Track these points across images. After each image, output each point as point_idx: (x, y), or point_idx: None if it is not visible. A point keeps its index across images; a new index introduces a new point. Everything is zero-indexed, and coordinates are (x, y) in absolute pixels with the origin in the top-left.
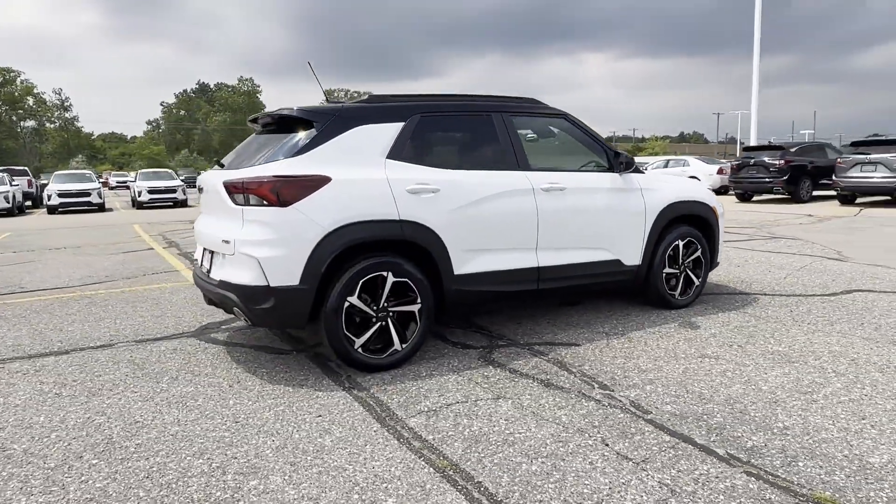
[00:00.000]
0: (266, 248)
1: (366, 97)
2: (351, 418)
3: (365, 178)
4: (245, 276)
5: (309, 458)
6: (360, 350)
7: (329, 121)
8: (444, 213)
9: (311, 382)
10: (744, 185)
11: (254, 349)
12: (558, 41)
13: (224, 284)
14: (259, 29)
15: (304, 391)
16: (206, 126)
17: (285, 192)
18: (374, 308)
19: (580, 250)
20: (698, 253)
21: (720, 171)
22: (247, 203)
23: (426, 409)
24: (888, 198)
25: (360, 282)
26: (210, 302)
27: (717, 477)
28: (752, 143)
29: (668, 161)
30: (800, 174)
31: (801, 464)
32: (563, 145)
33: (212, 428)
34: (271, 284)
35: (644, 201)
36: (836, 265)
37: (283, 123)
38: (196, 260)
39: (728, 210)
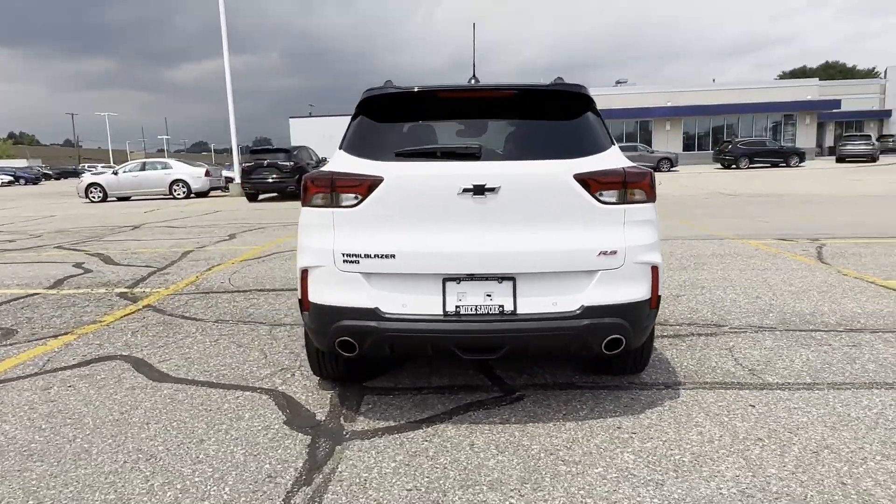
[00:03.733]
0: (657, 253)
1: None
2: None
3: None
4: (638, 291)
5: None
6: None
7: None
8: None
9: (667, 405)
10: (259, 186)
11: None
12: None
13: (599, 311)
14: None
15: (709, 410)
16: None
17: (654, 184)
18: None
19: None
20: None
21: (206, 174)
22: (626, 200)
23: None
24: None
25: None
26: (485, 352)
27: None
28: (234, 146)
29: (145, 164)
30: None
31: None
32: None
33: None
34: (660, 294)
35: None
36: None
37: (534, 99)
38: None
39: (251, 208)
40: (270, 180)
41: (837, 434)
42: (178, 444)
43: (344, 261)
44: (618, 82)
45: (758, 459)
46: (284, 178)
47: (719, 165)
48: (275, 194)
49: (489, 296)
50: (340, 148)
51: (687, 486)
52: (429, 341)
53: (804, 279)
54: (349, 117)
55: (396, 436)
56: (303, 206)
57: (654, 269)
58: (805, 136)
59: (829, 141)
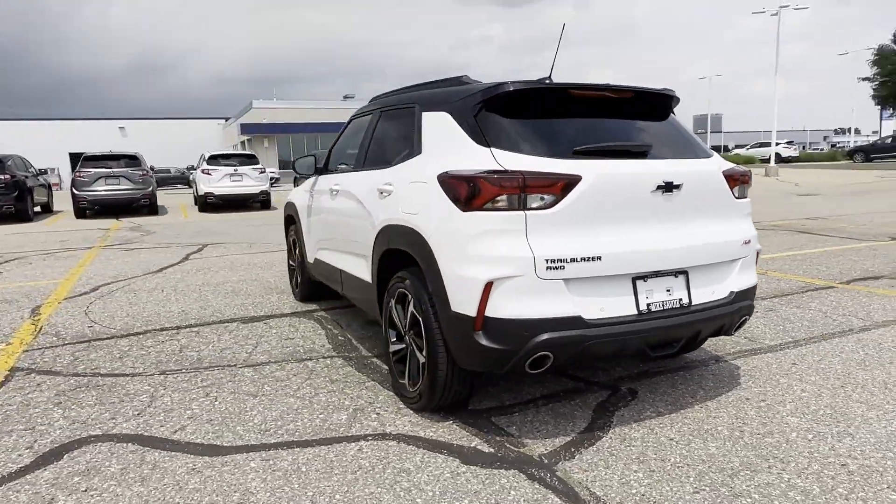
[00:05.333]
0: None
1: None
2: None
3: None
4: (755, 274)
5: None
6: None
7: None
8: None
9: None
10: None
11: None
12: None
13: (741, 295)
14: None
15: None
16: None
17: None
18: None
19: None
20: None
21: None
22: (744, 195)
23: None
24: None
25: None
26: (668, 347)
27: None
28: None
29: None
30: (26, 190)
31: None
32: None
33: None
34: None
35: None
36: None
37: (647, 100)
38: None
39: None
40: None
41: (873, 371)
42: None
43: (547, 267)
44: (346, 97)
45: (866, 401)
46: None
47: None
48: None
49: (668, 291)
50: (485, 145)
51: (865, 430)
52: (625, 343)
53: None
54: (56, 120)
55: (592, 449)
56: (467, 210)
57: (758, 254)
58: None
59: None
